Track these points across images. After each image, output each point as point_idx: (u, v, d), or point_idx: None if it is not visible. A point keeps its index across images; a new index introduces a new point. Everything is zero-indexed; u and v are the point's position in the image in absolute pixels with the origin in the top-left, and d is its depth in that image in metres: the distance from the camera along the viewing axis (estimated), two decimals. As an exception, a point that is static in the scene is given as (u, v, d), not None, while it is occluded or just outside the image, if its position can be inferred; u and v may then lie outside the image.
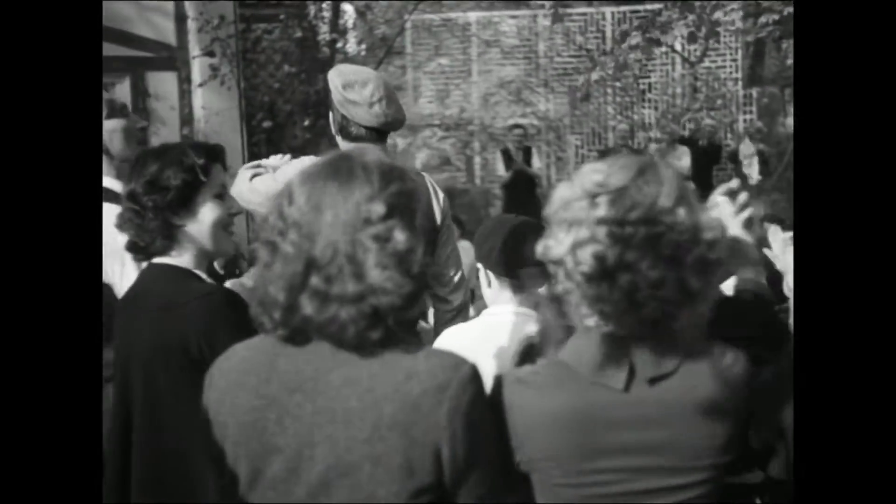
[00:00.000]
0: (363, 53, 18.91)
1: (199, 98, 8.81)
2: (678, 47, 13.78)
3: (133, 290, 2.36)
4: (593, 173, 1.64)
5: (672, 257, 1.58)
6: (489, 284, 2.51)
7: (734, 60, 13.86)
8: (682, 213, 1.60)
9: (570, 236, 1.60)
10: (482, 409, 1.61)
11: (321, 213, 1.58)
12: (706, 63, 13.59)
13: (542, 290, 1.90)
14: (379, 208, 1.57)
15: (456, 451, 1.57)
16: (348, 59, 19.10)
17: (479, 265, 2.52)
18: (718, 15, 6.52)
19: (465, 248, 10.18)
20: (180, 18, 8.76)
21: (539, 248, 1.67)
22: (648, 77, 14.54)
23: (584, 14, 14.46)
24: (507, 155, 11.49)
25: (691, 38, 6.71)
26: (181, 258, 2.31)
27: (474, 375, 1.60)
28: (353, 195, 1.58)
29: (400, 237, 1.57)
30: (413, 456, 1.56)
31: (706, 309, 1.66)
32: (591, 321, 1.64)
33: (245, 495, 1.66)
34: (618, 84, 12.98)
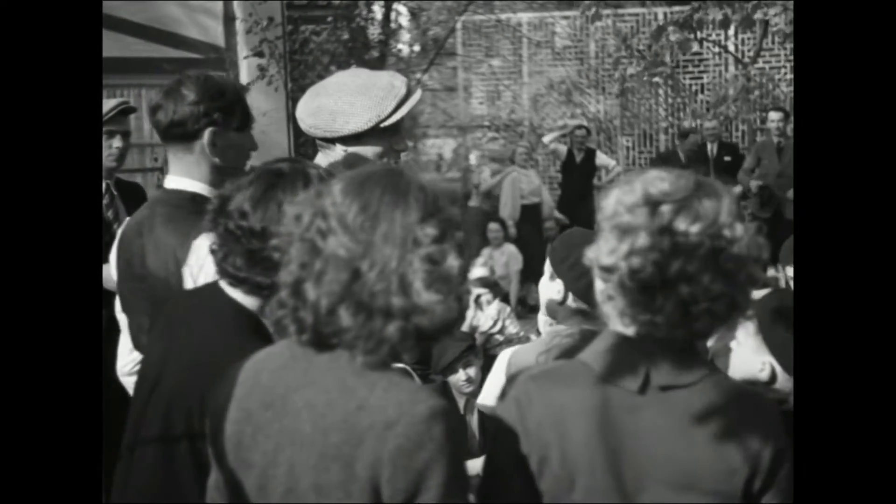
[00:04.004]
0: (415, 54, 19.00)
1: (247, 99, 8.88)
2: (731, 48, 13.61)
3: None
4: (657, 181, 1.62)
5: (729, 272, 1.58)
6: (563, 300, 2.47)
7: (789, 61, 13.63)
8: (740, 229, 1.60)
9: (625, 243, 1.59)
10: (434, 454, 1.49)
11: (377, 223, 1.55)
12: (760, 63, 13.38)
13: None
14: (433, 230, 1.56)
15: (395, 495, 1.50)
16: (400, 61, 19.25)
17: (554, 279, 2.47)
18: (759, 15, 6.45)
19: (513, 254, 10.21)
20: (228, 20, 8.86)
21: (589, 252, 1.65)
22: (701, 78, 14.37)
23: (637, 14, 14.33)
24: (569, 156, 11.39)
25: (724, 23, 6.61)
26: None
27: (432, 416, 1.51)
28: (409, 212, 1.56)
29: (453, 262, 1.56)
30: (352, 491, 1.51)
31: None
32: (631, 330, 1.64)
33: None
34: (666, 82, 12.85)
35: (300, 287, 1.58)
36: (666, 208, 1.58)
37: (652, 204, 1.59)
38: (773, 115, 9.78)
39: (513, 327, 6.26)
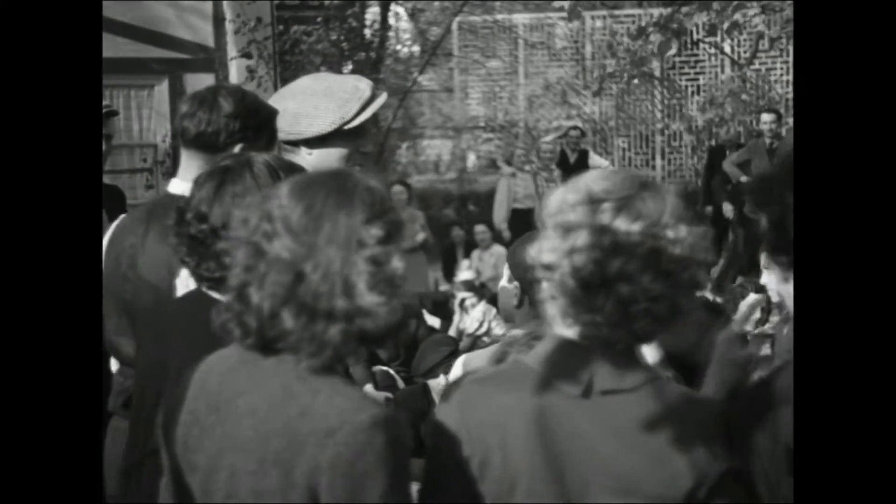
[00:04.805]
0: (415, 55, 19.02)
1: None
2: (727, 49, 13.59)
3: None
4: (600, 179, 1.61)
5: (670, 273, 1.56)
6: (520, 303, 2.46)
7: (785, 63, 13.60)
8: (683, 230, 1.58)
9: (567, 241, 1.56)
10: (374, 464, 1.47)
11: (321, 225, 1.54)
12: (756, 65, 13.36)
13: None
14: (378, 231, 1.54)
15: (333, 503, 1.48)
16: (398, 62, 19.27)
17: (512, 281, 2.45)
18: (738, 17, 6.44)
19: (501, 255, 10.19)
20: (218, 20, 8.84)
21: (531, 251, 1.63)
22: (697, 79, 14.35)
23: (632, 16, 14.31)
24: (563, 157, 11.32)
25: (710, 31, 6.61)
26: None
27: (373, 425, 1.48)
28: (354, 214, 1.54)
29: (398, 263, 1.55)
30: (291, 498, 1.49)
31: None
32: (573, 331, 1.61)
33: None
34: (651, 83, 12.84)
35: (245, 291, 1.57)
36: (607, 206, 1.56)
37: (593, 202, 1.57)
38: (766, 117, 9.74)
39: (499, 329, 6.27)
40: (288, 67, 9.83)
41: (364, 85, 2.91)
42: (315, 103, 2.82)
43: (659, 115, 14.62)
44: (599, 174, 1.63)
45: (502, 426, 1.60)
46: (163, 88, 8.70)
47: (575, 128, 11.80)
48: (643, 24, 7.66)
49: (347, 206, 1.55)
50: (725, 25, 6.41)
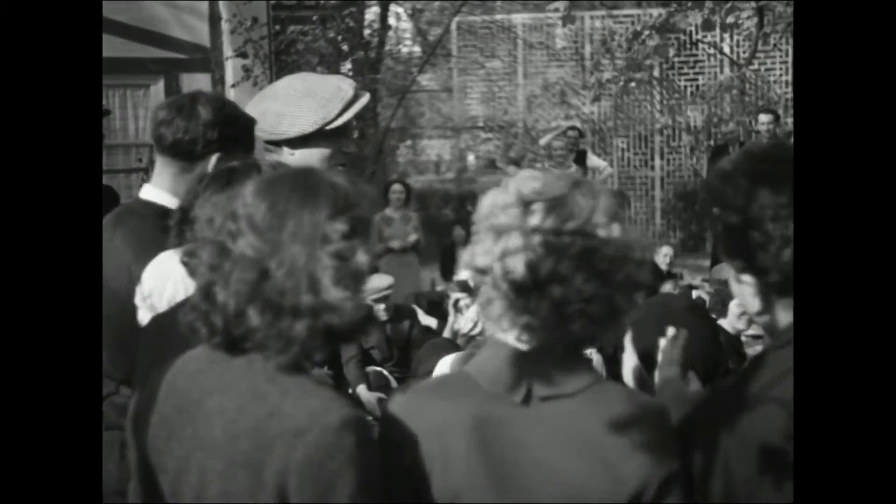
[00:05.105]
0: (414, 55, 19.02)
1: (231, 99, 8.87)
2: (726, 49, 13.57)
3: None
4: (529, 180, 1.58)
5: (604, 273, 1.53)
6: None
7: (784, 63, 13.59)
8: (616, 229, 1.55)
9: (499, 244, 1.54)
10: (343, 464, 1.46)
11: (285, 222, 1.53)
12: (755, 65, 13.34)
13: None
14: (342, 226, 1.53)
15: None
16: (399, 61, 19.27)
17: None
18: (731, 19, 6.42)
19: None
20: (214, 20, 8.83)
21: (465, 256, 1.61)
22: (696, 80, 14.34)
23: (631, 16, 14.30)
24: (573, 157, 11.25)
25: (706, 25, 6.58)
26: None
27: (343, 426, 1.47)
28: (318, 210, 1.54)
29: (362, 258, 1.54)
30: (260, 499, 1.47)
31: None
32: (511, 335, 1.58)
33: None
34: (650, 84, 12.81)
35: (210, 290, 1.56)
36: (537, 207, 1.54)
37: (524, 203, 1.55)
38: (763, 118, 9.72)
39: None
40: (284, 67, 9.81)
41: (346, 85, 2.89)
42: (297, 103, 2.80)
43: (658, 115, 14.61)
44: (530, 174, 1.61)
45: (442, 437, 1.58)
46: (159, 88, 8.68)
47: (573, 128, 11.75)
48: (639, 28, 7.64)
49: (311, 202, 1.54)
50: (721, 19, 6.37)
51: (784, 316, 1.62)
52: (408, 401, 1.65)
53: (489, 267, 1.55)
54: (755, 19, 7.59)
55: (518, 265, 1.51)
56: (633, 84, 7.88)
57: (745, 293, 1.65)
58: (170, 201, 2.61)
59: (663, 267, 9.10)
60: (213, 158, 2.59)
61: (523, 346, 1.58)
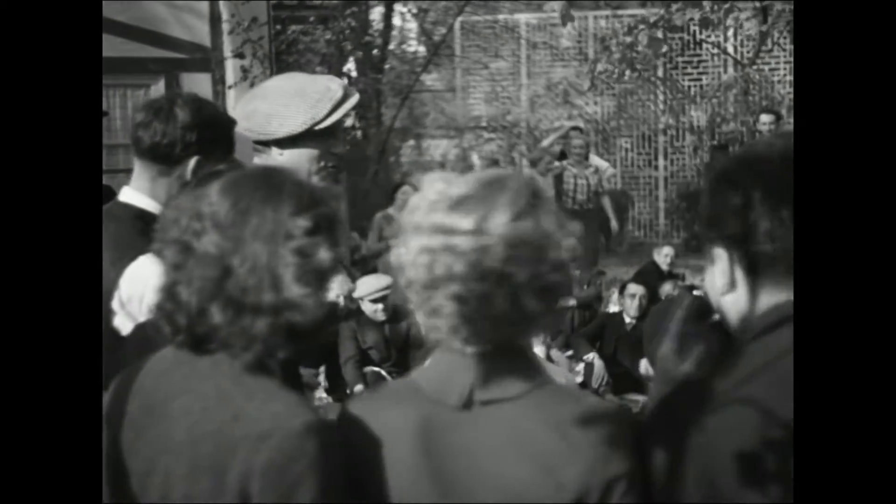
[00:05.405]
0: (418, 54, 19.01)
1: (231, 99, 8.86)
2: (730, 49, 13.54)
3: None
4: (439, 180, 1.58)
5: (500, 273, 1.48)
6: None
7: (787, 62, 13.55)
8: (522, 226, 1.50)
9: (411, 243, 1.54)
10: (306, 469, 1.45)
11: (248, 219, 1.54)
12: (759, 65, 13.31)
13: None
14: (305, 222, 1.53)
15: None
16: (402, 61, 19.28)
17: None
18: (730, 22, 6.40)
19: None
20: (215, 20, 8.83)
21: (391, 256, 1.61)
22: (700, 80, 14.31)
23: (635, 15, 14.27)
24: (563, 157, 11.21)
25: (704, 23, 6.56)
26: None
27: (307, 430, 1.46)
28: (282, 207, 1.54)
29: (324, 255, 1.54)
30: (222, 502, 1.46)
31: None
32: (456, 339, 1.55)
33: None
34: (662, 83, 12.79)
35: (174, 289, 1.56)
36: (441, 205, 1.52)
37: (432, 202, 1.54)
38: (765, 118, 9.68)
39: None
40: (285, 67, 9.80)
41: (336, 85, 2.88)
42: (286, 103, 2.79)
43: (661, 115, 14.58)
44: (443, 175, 1.60)
45: (385, 444, 1.56)
46: (159, 88, 8.67)
47: (576, 128, 11.72)
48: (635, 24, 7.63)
49: (275, 199, 1.55)
50: (721, 19, 6.35)
51: (766, 298, 1.55)
52: (353, 409, 1.64)
53: (402, 265, 1.55)
54: (759, 18, 7.56)
55: (421, 265, 1.51)
56: (625, 77, 7.85)
57: (714, 271, 1.60)
58: (149, 204, 2.59)
59: (664, 267, 9.07)
60: (192, 161, 2.56)
61: (468, 350, 1.55)
